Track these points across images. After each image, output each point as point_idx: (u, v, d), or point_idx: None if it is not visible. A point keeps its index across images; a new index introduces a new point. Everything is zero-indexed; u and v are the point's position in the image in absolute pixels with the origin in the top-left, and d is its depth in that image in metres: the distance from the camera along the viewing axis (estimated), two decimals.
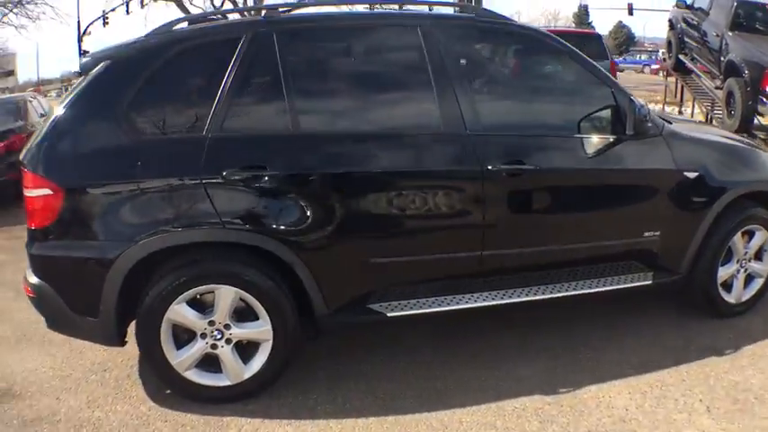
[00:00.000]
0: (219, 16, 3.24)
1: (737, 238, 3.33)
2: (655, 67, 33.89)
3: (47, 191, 2.52)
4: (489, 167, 2.74)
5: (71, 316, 2.62)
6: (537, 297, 2.90)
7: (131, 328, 2.70)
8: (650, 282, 3.11)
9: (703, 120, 9.30)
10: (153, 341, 2.61)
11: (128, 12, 20.86)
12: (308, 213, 2.61)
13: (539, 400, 2.68)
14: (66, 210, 2.52)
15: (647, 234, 3.07)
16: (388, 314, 2.72)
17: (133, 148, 2.54)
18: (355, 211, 2.69)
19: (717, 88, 8.36)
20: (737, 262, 3.39)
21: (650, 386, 2.78)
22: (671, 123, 3.29)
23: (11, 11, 18.83)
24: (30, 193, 2.57)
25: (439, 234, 2.81)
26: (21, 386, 2.93)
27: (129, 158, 2.54)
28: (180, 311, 2.59)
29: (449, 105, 2.76)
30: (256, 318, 2.65)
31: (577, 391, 2.74)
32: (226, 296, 2.59)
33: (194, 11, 18.69)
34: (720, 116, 8.18)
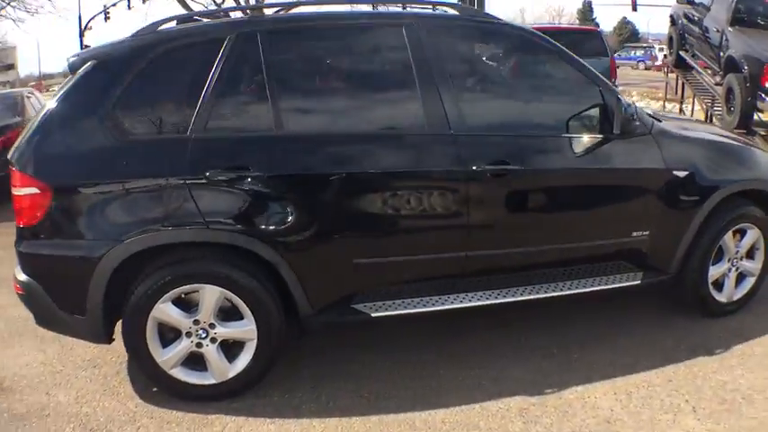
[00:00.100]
0: (208, 16, 3.22)
1: (728, 237, 3.26)
2: (648, 62, 33.71)
3: (34, 189, 2.50)
4: (474, 168, 2.68)
5: (59, 313, 2.61)
6: (523, 298, 2.84)
7: (119, 326, 2.67)
8: (639, 282, 3.04)
9: (703, 117, 9.18)
10: (139, 339, 2.59)
11: (129, 7, 20.76)
12: (292, 214, 2.57)
13: (524, 400, 2.63)
14: (54, 208, 2.51)
15: (635, 234, 3.00)
16: (373, 314, 2.68)
17: (119, 147, 2.51)
18: (339, 212, 2.64)
19: (717, 84, 8.21)
20: (729, 261, 3.31)
21: (637, 387, 2.73)
22: (661, 121, 3.21)
23: (8, 4, 18.60)
24: (17, 191, 2.55)
25: (423, 235, 2.76)
26: (12, 381, 2.93)
27: (114, 158, 2.51)
28: (165, 310, 2.57)
29: (433, 105, 2.70)
30: (241, 317, 2.62)
31: (563, 392, 2.68)
32: (210, 296, 2.56)
33: (196, 7, 18.54)
34: (720, 113, 8.05)
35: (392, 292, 2.75)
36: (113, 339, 2.72)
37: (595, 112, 2.86)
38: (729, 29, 7.34)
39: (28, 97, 8.73)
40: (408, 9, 3.36)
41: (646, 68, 32.37)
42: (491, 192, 2.76)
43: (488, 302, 2.80)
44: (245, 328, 2.62)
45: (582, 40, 10.27)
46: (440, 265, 2.78)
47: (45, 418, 2.62)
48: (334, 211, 2.64)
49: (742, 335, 3.18)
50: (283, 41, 2.73)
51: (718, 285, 3.33)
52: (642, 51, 36.17)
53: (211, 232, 2.52)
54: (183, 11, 17.63)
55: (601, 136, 2.86)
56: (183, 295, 2.59)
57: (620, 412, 2.55)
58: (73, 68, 2.61)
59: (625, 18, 51.17)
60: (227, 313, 2.64)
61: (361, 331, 3.15)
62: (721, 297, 3.34)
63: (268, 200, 2.56)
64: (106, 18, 21.61)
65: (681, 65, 9.98)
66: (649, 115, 3.20)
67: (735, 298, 3.38)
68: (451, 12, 3.07)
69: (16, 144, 2.62)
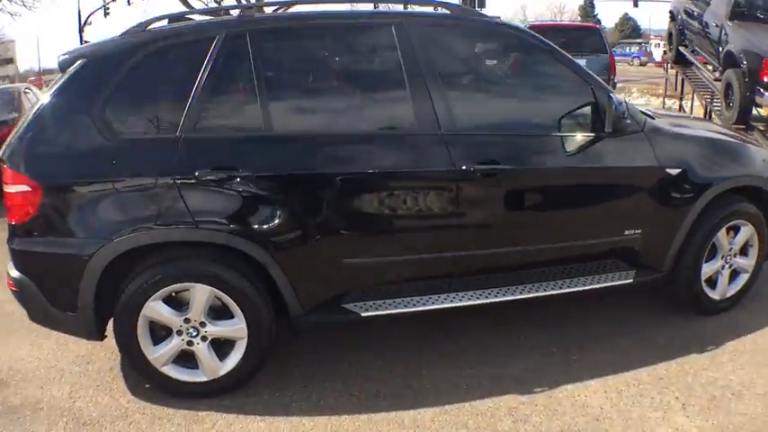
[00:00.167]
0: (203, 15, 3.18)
1: (722, 234, 3.20)
2: (643, 58, 33.60)
3: (25, 187, 2.47)
4: (463, 168, 2.64)
5: (51, 310, 2.59)
6: (513, 297, 2.80)
7: (112, 323, 2.64)
8: (631, 280, 3.00)
9: (703, 113, 9.09)
10: (130, 337, 2.57)
11: (129, 3, 20.63)
12: (281, 214, 2.54)
13: (514, 399, 2.60)
14: (45, 206, 2.48)
15: (627, 232, 2.95)
16: (363, 314, 2.64)
17: (108, 146, 2.48)
18: (328, 212, 2.61)
19: (716, 80, 8.12)
20: (722, 258, 3.27)
21: (627, 385, 2.69)
22: (654, 119, 3.16)
23: None
24: (9, 189, 2.53)
25: (413, 235, 2.72)
26: (7, 374, 2.94)
27: (104, 157, 2.48)
28: (156, 308, 2.55)
29: (422, 105, 2.66)
30: (232, 316, 2.60)
31: (553, 391, 2.65)
32: (200, 294, 2.54)
33: (196, 4, 18.41)
34: (719, 109, 7.95)
35: (382, 291, 2.71)
36: (105, 336, 2.71)
37: (587, 110, 2.80)
38: (728, 23, 7.23)
39: (25, 93, 8.61)
40: (400, 8, 3.30)
41: (641, 64, 32.26)
42: (481, 191, 2.72)
43: (479, 302, 2.76)
44: (236, 327, 2.60)
45: (581, 37, 10.21)
46: (430, 264, 2.75)
47: (39, 412, 2.63)
48: (323, 212, 2.60)
49: (734, 331, 3.14)
50: (273, 41, 2.69)
51: (712, 283, 3.28)
52: (637, 47, 36.09)
53: (200, 232, 2.49)
54: (182, 8, 17.52)
55: (592, 134, 2.81)
56: (173, 294, 2.57)
57: (610, 410, 2.51)
58: (63, 67, 2.58)
59: (627, 14, 50.85)
60: (218, 312, 2.61)
61: (352, 331, 3.12)
62: (714, 294, 3.29)
63: (257, 200, 2.53)
64: (106, 14, 21.49)
65: (680, 61, 9.87)
66: (642, 113, 3.15)
67: (728, 295, 3.34)
68: (443, 10, 3.02)
69: (8, 141, 2.59)
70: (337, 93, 2.78)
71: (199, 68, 2.53)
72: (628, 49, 36.12)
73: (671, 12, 9.94)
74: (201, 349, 2.61)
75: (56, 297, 2.56)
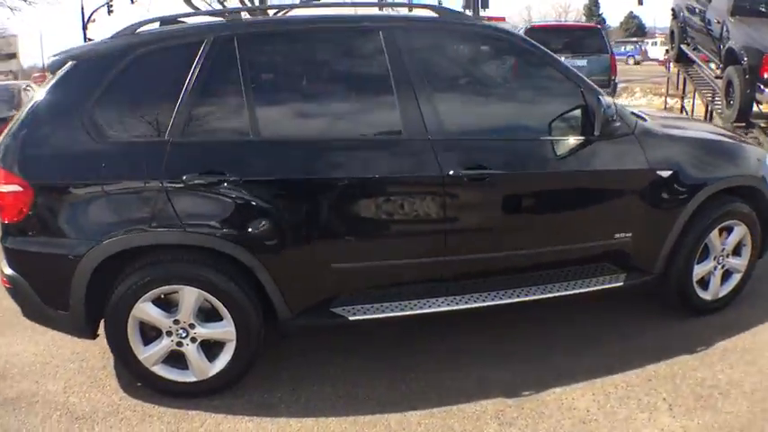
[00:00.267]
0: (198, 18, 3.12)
1: (714, 235, 3.13)
2: (638, 57, 33.29)
3: (17, 187, 2.46)
4: (450, 173, 2.59)
5: (44, 308, 2.59)
6: (503, 301, 2.75)
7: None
8: (622, 283, 2.93)
9: (704, 111, 8.95)
10: (120, 337, 2.56)
11: (132, 1, 20.59)
12: (268, 218, 2.51)
13: (501, 402, 2.56)
14: (36, 206, 2.47)
15: (617, 236, 2.89)
16: (350, 318, 2.61)
17: (98, 149, 2.46)
18: (315, 217, 2.57)
19: (717, 78, 7.99)
20: (714, 259, 3.20)
21: (615, 387, 2.64)
22: (645, 120, 3.09)
23: None
24: (1, 188, 2.51)
25: (401, 239, 2.68)
26: (4, 368, 2.96)
27: (93, 159, 2.46)
28: (145, 310, 2.53)
29: (410, 110, 2.61)
30: (221, 318, 2.57)
31: (541, 394, 2.60)
32: (189, 297, 2.52)
33: (200, 4, 18.37)
34: (720, 107, 7.83)
35: (371, 295, 2.67)
36: (98, 335, 2.70)
37: (577, 113, 2.74)
38: (730, 19, 7.08)
39: (26, 90, 8.59)
40: (392, 12, 3.24)
41: (635, 63, 31.99)
42: (469, 196, 2.67)
43: (468, 306, 2.71)
44: (224, 330, 2.57)
45: (583, 37, 10.09)
46: (418, 269, 2.71)
47: (34, 405, 2.65)
48: (310, 216, 2.57)
49: (725, 331, 3.08)
50: (261, 45, 2.65)
51: (704, 283, 3.22)
52: (632, 46, 35.84)
53: (188, 235, 2.47)
54: (186, 7, 17.47)
55: (582, 138, 2.74)
56: (162, 296, 2.55)
57: (597, 413, 2.47)
58: (53, 68, 2.56)
59: (632, 13, 50.32)
60: (208, 314, 2.59)
61: (342, 335, 3.08)
62: (706, 295, 3.22)
63: (244, 204, 2.49)
64: (110, 11, 21.46)
65: (682, 59, 9.72)
66: (633, 114, 3.08)
67: (720, 295, 3.27)
68: (431, 14, 2.96)
69: None
70: (324, 98, 2.73)
71: (187, 72, 2.50)
72: (623, 48, 35.82)
73: (673, 9, 9.79)
74: (191, 350, 2.59)
75: (48, 296, 2.56)
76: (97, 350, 3.06)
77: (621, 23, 51.35)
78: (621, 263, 2.98)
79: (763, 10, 7.14)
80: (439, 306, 2.70)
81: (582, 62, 9.45)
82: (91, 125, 2.46)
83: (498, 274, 2.82)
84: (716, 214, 3.08)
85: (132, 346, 2.57)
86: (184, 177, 2.43)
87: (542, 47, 2.89)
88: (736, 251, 3.27)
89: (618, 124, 2.76)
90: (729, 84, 6.93)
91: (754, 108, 7.11)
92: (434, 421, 2.45)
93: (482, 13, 17.74)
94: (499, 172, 2.67)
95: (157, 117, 2.49)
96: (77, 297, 2.50)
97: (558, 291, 2.83)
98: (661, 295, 3.24)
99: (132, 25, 2.67)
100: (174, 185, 2.44)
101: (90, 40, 16.32)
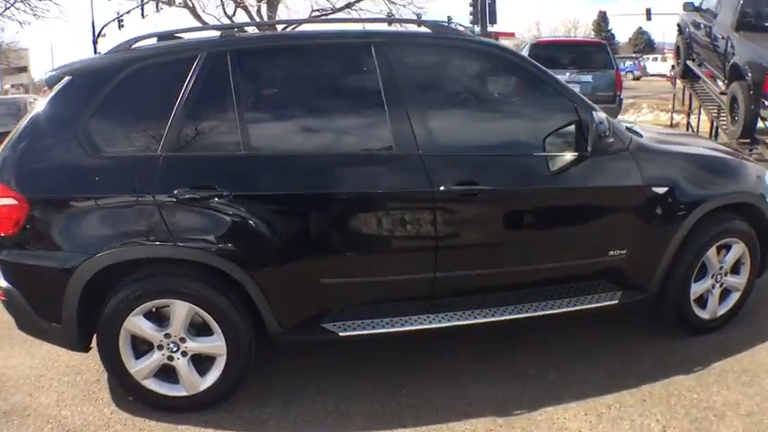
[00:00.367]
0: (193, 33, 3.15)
1: (712, 253, 3.08)
2: (637, 72, 33.17)
3: (12, 200, 2.48)
4: (441, 188, 2.57)
5: (38, 320, 2.60)
6: (495, 318, 2.71)
7: None
8: (617, 301, 2.89)
9: (709, 127, 8.89)
10: (112, 350, 2.56)
11: (143, 15, 20.83)
12: (259, 233, 2.50)
13: (492, 421, 2.52)
14: (30, 220, 2.49)
15: (612, 253, 2.85)
16: (341, 333, 2.59)
17: (92, 163, 2.48)
18: (305, 232, 2.57)
19: (722, 93, 7.94)
20: (712, 277, 3.14)
21: (608, 407, 2.59)
22: (641, 136, 3.06)
23: (13, 5, 18.18)
24: None
25: (391, 255, 2.66)
26: None
27: (87, 173, 2.48)
28: (136, 323, 2.53)
29: (401, 125, 2.60)
30: (211, 333, 2.57)
31: (532, 413, 2.56)
32: (180, 311, 2.52)
33: (207, 18, 18.60)
34: (725, 123, 7.77)
35: (362, 311, 2.66)
36: (90, 348, 2.70)
37: (570, 129, 2.71)
38: (735, 34, 7.04)
39: (31, 104, 8.75)
40: (391, 27, 3.26)
41: (634, 78, 31.85)
42: (460, 212, 2.65)
43: (460, 323, 2.68)
44: (215, 344, 2.57)
45: (588, 52, 10.06)
46: (409, 285, 2.69)
47: (26, 418, 2.65)
48: (300, 232, 2.57)
49: (724, 351, 3.02)
50: (253, 61, 2.66)
51: (702, 302, 3.16)
52: (631, 62, 35.82)
53: (179, 249, 2.47)
54: (195, 22, 17.65)
55: (575, 154, 2.72)
56: (154, 309, 2.55)
57: None
58: (50, 83, 2.59)
59: (640, 28, 50.28)
60: (199, 328, 2.59)
61: (337, 352, 3.05)
62: (704, 314, 3.17)
63: (234, 219, 2.49)
64: (120, 26, 21.68)
65: (688, 75, 9.69)
66: (629, 130, 3.06)
67: (719, 314, 3.21)
68: (424, 29, 2.96)
69: None
70: (316, 113, 2.73)
71: (180, 87, 2.51)
72: (623, 63, 35.79)
73: (678, 25, 9.78)
74: (182, 364, 2.58)
75: (41, 308, 2.57)
76: (92, 364, 3.06)
77: (630, 39, 51.31)
78: (617, 280, 2.94)
79: None
80: (431, 323, 2.67)
81: (587, 77, 9.43)
82: (86, 139, 2.48)
83: (490, 290, 2.79)
84: (713, 232, 3.03)
85: (123, 359, 2.57)
86: (176, 192, 2.44)
87: (535, 62, 2.89)
88: (735, 269, 3.22)
89: (611, 140, 2.72)
90: (734, 100, 6.89)
91: (760, 124, 7.05)
92: None
93: (490, 28, 17.84)
94: (491, 188, 2.65)
95: (151, 131, 2.51)
96: (70, 310, 2.50)
97: (551, 308, 2.79)
98: (658, 313, 3.18)
99: (128, 41, 2.70)
100: (165, 200, 2.44)
101: (100, 54, 16.36)
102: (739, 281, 3.22)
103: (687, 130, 10.43)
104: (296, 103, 2.72)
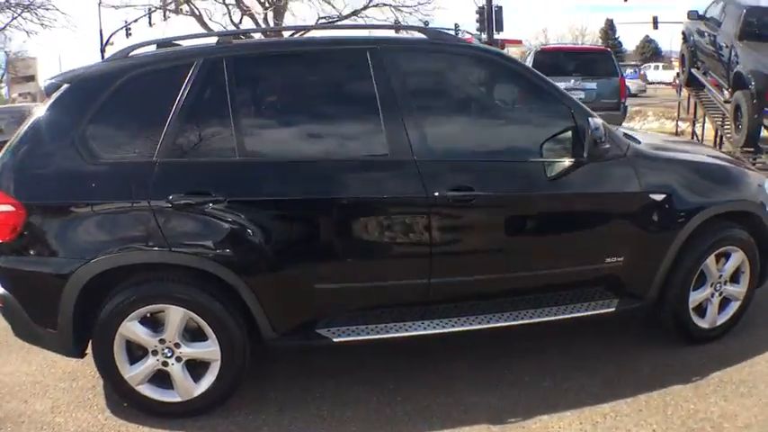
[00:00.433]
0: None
1: (711, 261, 3.06)
2: (638, 83, 33.06)
3: (9, 207, 2.50)
4: (436, 194, 2.57)
5: (33, 326, 2.61)
6: (491, 325, 2.70)
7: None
8: (614, 309, 2.87)
9: (714, 136, 8.86)
10: (107, 355, 2.57)
11: (150, 24, 20.96)
12: (253, 239, 2.51)
13: (486, 429, 2.50)
14: (27, 226, 2.50)
15: (609, 260, 2.83)
16: (335, 339, 2.59)
17: (89, 169, 2.50)
18: (299, 237, 2.58)
19: (726, 102, 7.93)
20: (711, 285, 3.12)
21: (604, 416, 2.57)
22: (640, 143, 3.05)
23: (19, 14, 18.19)
24: None
25: (385, 261, 2.66)
26: None
27: (84, 180, 2.50)
28: (131, 328, 2.54)
29: (396, 131, 2.61)
30: (206, 338, 2.57)
31: (527, 421, 2.54)
32: (174, 316, 2.52)
33: (214, 26, 18.74)
34: (729, 132, 7.75)
35: (356, 317, 2.66)
36: (86, 354, 2.71)
37: (567, 135, 2.71)
38: (738, 43, 7.05)
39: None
40: (379, 33, 3.27)
41: (631, 95, 31.68)
42: (456, 218, 2.65)
43: (455, 329, 2.67)
44: (209, 349, 2.57)
45: (593, 60, 10.06)
46: (404, 291, 2.68)
47: (20, 425, 2.65)
48: (294, 237, 2.58)
49: (722, 361, 2.99)
50: (249, 67, 2.68)
51: (701, 311, 3.14)
52: (631, 70, 35.74)
53: (173, 254, 2.48)
54: (201, 29, 17.76)
55: (571, 160, 2.71)
56: (149, 314, 2.56)
57: None
58: (48, 91, 2.61)
59: (647, 36, 50.22)
60: (194, 334, 2.59)
61: (334, 358, 3.05)
62: (703, 323, 3.14)
63: (229, 224, 2.50)
64: (128, 34, 21.80)
65: (693, 83, 9.68)
66: (627, 136, 3.05)
67: (718, 323, 3.18)
68: (419, 35, 2.98)
69: None
70: (311, 119, 2.74)
71: (176, 94, 2.53)
72: (624, 71, 35.67)
73: (683, 33, 9.78)
74: (176, 370, 2.58)
75: (37, 314, 2.57)
76: (88, 370, 3.06)
77: (638, 47, 51.26)
78: (614, 288, 2.92)
79: None
80: (426, 329, 2.66)
81: (592, 85, 9.43)
82: (83, 146, 2.50)
83: (486, 297, 2.78)
84: (712, 240, 3.01)
85: (118, 364, 2.57)
86: (170, 197, 2.45)
87: (532, 68, 2.89)
88: (735, 278, 3.19)
89: (607, 146, 2.71)
90: (738, 108, 6.88)
91: (764, 132, 7.03)
92: None
93: (496, 35, 17.91)
94: (486, 194, 2.65)
95: (147, 138, 2.53)
96: (66, 316, 2.51)
97: (546, 315, 2.78)
98: (657, 322, 3.15)
99: (126, 48, 2.73)
100: (160, 205, 2.46)
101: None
102: (739, 290, 3.19)
103: (692, 138, 10.40)
104: (291, 110, 2.73)
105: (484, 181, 2.66)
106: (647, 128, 15.40)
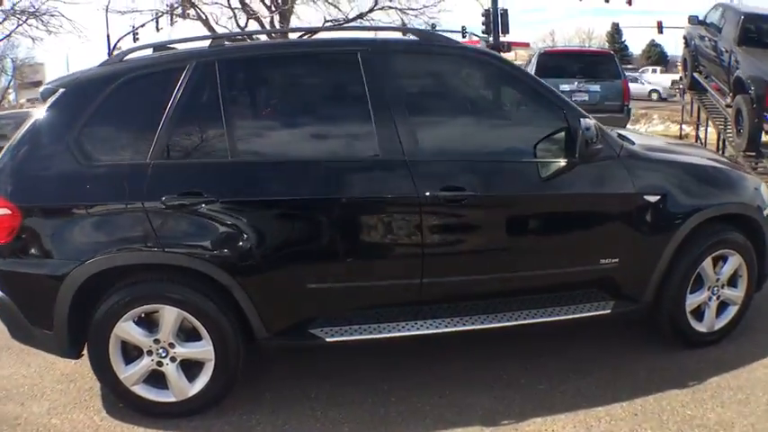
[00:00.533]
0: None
1: (707, 264, 3.03)
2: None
3: (6, 210, 2.51)
4: (427, 194, 2.57)
5: (30, 328, 2.62)
6: (484, 326, 2.69)
7: None
8: (609, 311, 2.85)
9: (716, 140, 8.83)
10: (102, 356, 2.57)
11: (158, 29, 21.02)
12: (244, 239, 2.52)
13: (478, 430, 2.49)
14: (23, 229, 2.51)
15: (603, 261, 2.81)
16: (327, 339, 2.58)
17: (83, 172, 2.51)
18: (291, 238, 2.59)
19: (728, 106, 7.91)
20: (709, 289, 3.09)
21: (598, 419, 2.55)
22: (633, 144, 3.04)
23: (25, 21, 18.19)
24: None
25: (377, 261, 2.66)
26: None
27: (79, 182, 2.51)
28: (126, 329, 2.54)
29: (386, 132, 2.61)
30: (200, 338, 2.57)
31: (520, 423, 2.53)
32: (168, 316, 2.53)
33: (220, 30, 18.78)
34: (732, 136, 7.72)
35: (349, 317, 2.65)
36: (82, 355, 2.70)
37: (559, 136, 2.70)
38: (737, 48, 7.06)
39: None
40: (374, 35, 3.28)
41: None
42: (446, 218, 2.64)
43: (448, 330, 2.66)
44: (203, 349, 2.57)
45: (596, 62, 10.04)
46: (396, 291, 2.67)
47: (16, 427, 2.65)
48: (285, 237, 2.58)
49: (720, 367, 2.95)
50: (241, 70, 2.69)
51: (699, 314, 3.11)
52: (628, 74, 35.49)
53: (166, 255, 2.49)
54: (207, 33, 17.78)
55: (563, 161, 2.70)
56: (143, 315, 2.56)
57: None
58: (45, 96, 2.63)
59: (653, 40, 50.04)
60: (188, 334, 2.60)
61: (330, 359, 3.04)
62: (701, 327, 3.11)
63: (221, 225, 2.51)
64: (135, 39, 21.83)
65: (695, 87, 9.65)
66: (621, 137, 3.03)
67: (716, 327, 3.15)
68: (411, 37, 2.98)
69: None
70: (302, 120, 2.75)
71: (169, 97, 2.55)
72: None
73: (685, 38, 9.77)
74: (171, 370, 2.58)
75: (33, 316, 2.59)
76: (86, 372, 3.03)
77: (644, 51, 51.09)
78: (609, 290, 2.90)
79: None
80: (419, 329, 2.66)
81: (595, 87, 9.42)
82: (78, 149, 2.52)
83: (479, 297, 2.77)
84: (708, 243, 2.98)
85: (114, 365, 2.57)
86: (163, 198, 2.46)
87: (525, 70, 2.89)
88: (732, 282, 3.16)
89: (599, 146, 2.69)
90: (738, 113, 6.87)
91: (765, 137, 7.00)
92: None
93: (503, 38, 17.91)
94: (477, 194, 2.64)
95: (141, 140, 2.54)
96: (61, 317, 2.52)
97: (540, 316, 2.76)
98: (653, 325, 3.13)
99: (121, 52, 2.75)
100: (153, 206, 2.47)
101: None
102: (737, 294, 3.16)
103: (696, 141, 10.36)
104: (283, 111, 2.75)
105: (476, 181, 2.66)
106: (652, 131, 15.38)
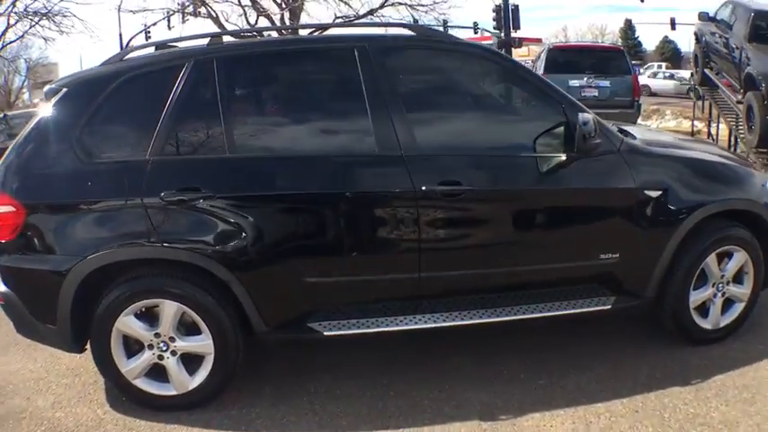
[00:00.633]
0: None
1: (711, 261, 2.98)
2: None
3: (10, 208, 2.55)
4: (423, 188, 2.56)
5: (34, 323, 2.65)
6: (483, 320, 2.68)
7: None
8: (610, 306, 2.82)
9: (727, 136, 8.73)
10: (104, 350, 2.60)
11: (169, 27, 21.15)
12: (243, 234, 2.53)
13: (477, 425, 2.48)
14: (27, 226, 2.55)
15: (603, 257, 2.78)
16: (325, 333, 2.59)
17: (85, 169, 2.54)
18: (289, 232, 2.60)
19: (739, 103, 7.80)
20: (713, 285, 3.04)
21: (598, 416, 2.53)
22: (635, 138, 3.00)
23: (37, 23, 18.33)
24: None
25: (375, 256, 2.65)
26: None
27: (81, 179, 2.54)
28: (127, 323, 2.57)
29: (383, 127, 2.60)
30: (200, 332, 2.59)
31: (519, 419, 2.51)
32: (169, 310, 2.55)
33: (230, 28, 18.87)
34: (743, 132, 7.62)
35: (347, 311, 2.65)
36: (85, 349, 2.73)
37: (558, 130, 2.67)
38: (748, 45, 6.96)
39: None
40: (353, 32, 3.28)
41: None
42: (444, 212, 2.63)
43: (446, 324, 2.66)
44: (203, 343, 2.59)
45: (606, 58, 9.96)
46: (394, 285, 2.67)
47: (21, 421, 2.68)
48: (284, 232, 2.59)
49: (725, 364, 2.90)
50: (238, 67, 2.71)
51: (704, 311, 3.06)
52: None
53: (165, 250, 2.51)
54: (217, 30, 17.87)
55: (562, 155, 2.68)
56: (143, 309, 2.59)
57: None
58: (48, 96, 2.66)
59: (666, 37, 49.49)
60: (188, 328, 2.62)
61: (330, 354, 3.04)
62: (706, 324, 3.06)
63: (219, 220, 2.53)
64: (147, 37, 21.95)
65: (706, 83, 9.54)
66: (621, 131, 3.00)
67: (721, 324, 3.10)
68: (407, 32, 2.97)
69: None
70: (300, 115, 2.75)
71: (169, 94, 2.57)
72: None
73: (695, 34, 9.66)
74: (171, 363, 2.61)
75: (37, 310, 2.62)
76: (91, 366, 3.05)
77: (657, 47, 50.54)
78: (610, 285, 2.87)
79: None
80: (417, 323, 2.65)
81: (605, 83, 9.34)
82: (80, 147, 2.54)
83: (478, 292, 2.76)
84: (712, 239, 2.93)
85: (115, 359, 2.60)
86: (162, 194, 2.48)
87: (522, 64, 2.87)
88: (738, 279, 3.11)
89: (598, 141, 2.66)
90: (750, 109, 6.78)
91: None
92: None
93: (514, 33, 17.82)
94: (475, 188, 2.63)
95: (140, 137, 2.57)
96: (64, 312, 2.55)
97: (540, 311, 2.74)
98: (657, 321, 3.09)
99: (122, 51, 2.78)
100: (153, 202, 2.49)
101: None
102: (743, 291, 3.11)
103: (708, 138, 10.23)
104: (280, 107, 2.76)
105: (473, 176, 2.65)
106: (664, 126, 15.21)
